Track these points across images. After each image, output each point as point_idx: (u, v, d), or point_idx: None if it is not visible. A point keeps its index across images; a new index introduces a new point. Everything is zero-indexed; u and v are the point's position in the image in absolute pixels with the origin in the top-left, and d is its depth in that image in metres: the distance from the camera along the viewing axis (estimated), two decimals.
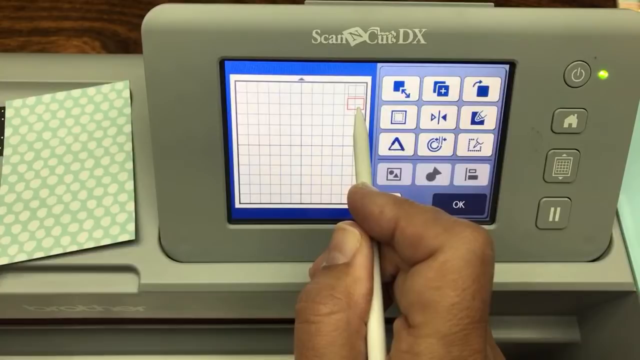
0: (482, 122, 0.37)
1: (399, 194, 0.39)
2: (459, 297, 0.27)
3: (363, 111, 0.37)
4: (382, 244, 0.31)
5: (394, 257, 0.31)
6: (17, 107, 0.43)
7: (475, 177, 0.39)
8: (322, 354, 0.28)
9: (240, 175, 0.38)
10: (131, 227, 0.39)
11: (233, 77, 0.36)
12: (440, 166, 0.39)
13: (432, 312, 0.27)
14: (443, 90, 0.37)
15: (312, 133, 0.37)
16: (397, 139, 0.38)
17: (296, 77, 0.36)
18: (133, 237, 0.39)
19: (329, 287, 0.29)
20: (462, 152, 0.38)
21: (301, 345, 0.29)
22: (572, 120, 0.37)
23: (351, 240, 0.30)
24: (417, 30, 0.35)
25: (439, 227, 0.28)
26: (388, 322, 0.30)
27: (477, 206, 0.39)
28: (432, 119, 0.37)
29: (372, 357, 0.29)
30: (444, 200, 0.39)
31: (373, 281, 0.30)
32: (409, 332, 0.28)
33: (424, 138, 0.38)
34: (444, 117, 0.37)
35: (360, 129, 0.33)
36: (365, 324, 0.29)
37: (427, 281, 0.27)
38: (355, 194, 0.31)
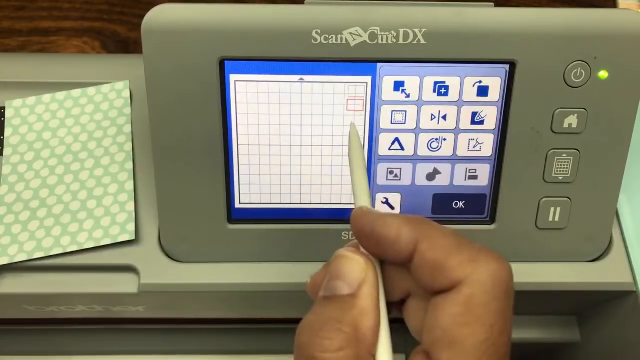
0: (482, 122, 0.37)
1: (399, 195, 0.39)
2: (487, 333, 0.26)
3: (362, 112, 0.37)
4: (388, 266, 0.30)
5: (405, 279, 0.29)
6: (17, 107, 0.43)
7: (475, 177, 0.39)
8: None
9: (240, 175, 0.38)
10: (131, 227, 0.39)
11: (233, 77, 0.36)
12: (440, 166, 0.39)
13: (460, 349, 0.26)
14: (443, 90, 0.37)
15: (312, 133, 0.37)
16: (397, 139, 0.38)
17: (296, 77, 0.36)
18: (133, 237, 0.39)
19: (334, 321, 0.27)
20: (462, 152, 0.38)
21: None
22: (572, 120, 0.37)
23: (356, 269, 0.29)
24: (417, 30, 0.35)
25: (463, 256, 0.27)
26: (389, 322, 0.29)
27: (477, 206, 0.39)
28: (432, 119, 0.37)
29: None
30: (444, 200, 0.39)
31: (379, 312, 0.28)
32: None
33: (424, 138, 0.38)
34: (444, 117, 0.37)
35: (355, 147, 0.32)
36: (374, 356, 0.28)
37: (452, 317, 0.26)
38: (361, 218, 0.29)
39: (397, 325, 0.29)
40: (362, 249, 0.30)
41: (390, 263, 0.29)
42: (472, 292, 0.26)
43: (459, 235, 0.28)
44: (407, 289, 0.29)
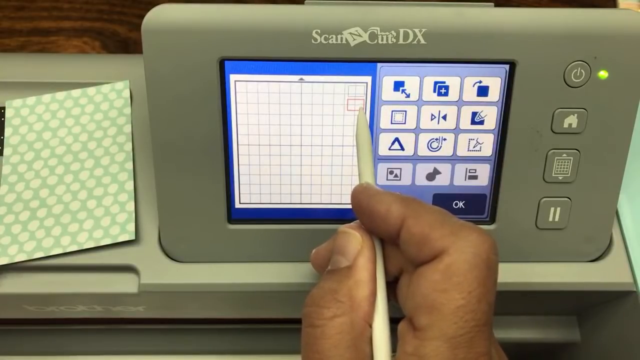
0: (482, 122, 0.37)
1: None
2: (465, 299, 0.27)
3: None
4: (385, 245, 0.31)
5: (397, 257, 0.31)
6: (17, 107, 0.43)
7: (475, 177, 0.39)
8: (328, 356, 0.28)
9: (240, 175, 0.38)
10: (131, 227, 0.39)
11: (233, 77, 0.36)
12: (440, 166, 0.39)
13: (438, 314, 0.27)
14: (443, 90, 0.37)
15: (312, 133, 0.37)
16: (397, 139, 0.38)
17: (296, 77, 0.36)
18: (133, 237, 0.39)
19: (332, 291, 0.29)
20: (462, 152, 0.38)
21: (307, 349, 0.29)
22: (572, 120, 0.37)
23: (353, 243, 0.31)
24: (417, 30, 0.35)
25: (445, 229, 0.28)
26: (392, 322, 0.30)
27: (477, 206, 0.39)
28: (432, 119, 0.37)
29: (377, 358, 0.29)
30: (444, 200, 0.39)
31: (375, 283, 0.30)
32: (415, 335, 0.28)
33: (424, 138, 0.38)
34: (444, 117, 0.37)
35: (362, 129, 0.33)
36: (370, 325, 0.29)
37: (432, 284, 0.28)
38: (360, 193, 0.31)
39: (395, 326, 0.30)
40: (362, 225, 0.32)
41: (384, 239, 0.31)
42: (452, 260, 0.28)
43: (447, 213, 0.30)
44: (399, 267, 0.31)
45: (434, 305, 0.27)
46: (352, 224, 0.32)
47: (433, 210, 0.30)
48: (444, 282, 0.27)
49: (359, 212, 0.31)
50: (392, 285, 0.31)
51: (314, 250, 0.34)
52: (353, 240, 0.31)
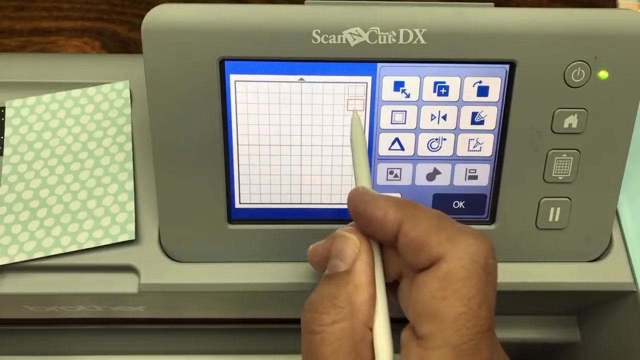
0: (482, 122, 0.37)
1: (399, 195, 0.39)
2: (465, 306, 0.27)
3: (363, 112, 0.37)
4: (384, 248, 0.31)
5: (396, 261, 0.30)
6: (17, 107, 0.43)
7: (475, 177, 0.39)
8: None
9: (240, 175, 0.38)
10: (131, 227, 0.39)
11: (233, 77, 0.36)
12: (440, 166, 0.39)
13: (440, 322, 0.27)
14: (443, 90, 0.37)
15: (312, 133, 0.37)
16: (397, 139, 0.38)
17: (296, 77, 0.36)
18: (133, 237, 0.39)
19: (330, 297, 0.29)
20: (462, 152, 0.38)
21: (308, 355, 0.29)
22: (572, 120, 0.37)
23: (350, 247, 0.30)
24: (417, 30, 0.35)
25: (442, 235, 0.28)
26: (392, 322, 0.30)
27: (477, 206, 0.39)
28: (432, 119, 0.37)
29: None
30: (444, 200, 0.39)
31: (375, 287, 0.30)
32: (419, 344, 0.27)
33: (424, 138, 0.38)
34: (444, 117, 0.37)
35: (357, 132, 0.33)
36: (370, 329, 0.29)
37: (432, 291, 0.27)
38: (356, 197, 0.31)
39: (396, 326, 0.30)
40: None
41: (381, 243, 0.31)
42: (450, 267, 0.27)
43: (444, 216, 0.30)
44: (399, 270, 0.31)
45: (435, 314, 0.27)
46: (349, 227, 0.32)
47: (430, 214, 0.29)
48: (443, 290, 0.27)
49: (355, 217, 0.31)
50: (392, 287, 0.31)
51: (311, 247, 0.34)
52: (351, 244, 0.30)
